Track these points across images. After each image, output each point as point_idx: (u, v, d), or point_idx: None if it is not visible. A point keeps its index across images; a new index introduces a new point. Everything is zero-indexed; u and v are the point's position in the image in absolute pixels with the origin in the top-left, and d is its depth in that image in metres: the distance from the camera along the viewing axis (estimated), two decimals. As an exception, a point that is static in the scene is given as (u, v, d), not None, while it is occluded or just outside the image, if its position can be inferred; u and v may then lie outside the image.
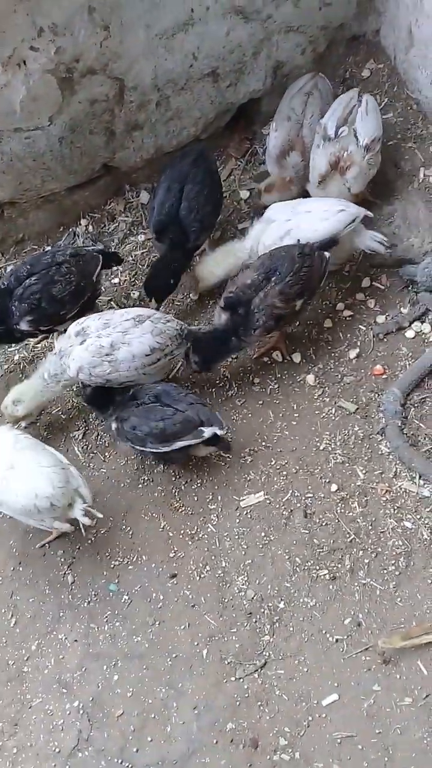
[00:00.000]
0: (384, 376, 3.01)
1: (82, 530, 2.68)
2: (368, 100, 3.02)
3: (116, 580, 2.72)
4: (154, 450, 2.72)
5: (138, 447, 2.75)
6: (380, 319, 3.13)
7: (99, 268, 2.92)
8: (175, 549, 2.74)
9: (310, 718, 2.46)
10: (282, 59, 3.34)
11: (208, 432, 2.67)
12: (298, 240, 2.89)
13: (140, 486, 2.88)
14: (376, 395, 2.96)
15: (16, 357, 3.21)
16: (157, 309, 3.01)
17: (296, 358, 3.05)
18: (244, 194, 3.43)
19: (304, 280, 2.82)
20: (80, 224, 3.43)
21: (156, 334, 2.74)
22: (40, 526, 2.64)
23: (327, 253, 2.88)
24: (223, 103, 3.37)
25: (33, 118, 3.00)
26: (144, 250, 3.36)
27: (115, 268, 3.21)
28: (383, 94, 3.41)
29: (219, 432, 2.70)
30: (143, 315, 2.79)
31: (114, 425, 2.78)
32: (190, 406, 2.71)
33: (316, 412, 2.96)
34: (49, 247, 3.38)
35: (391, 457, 2.84)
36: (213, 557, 2.72)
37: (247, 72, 3.30)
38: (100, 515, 2.65)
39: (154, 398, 2.74)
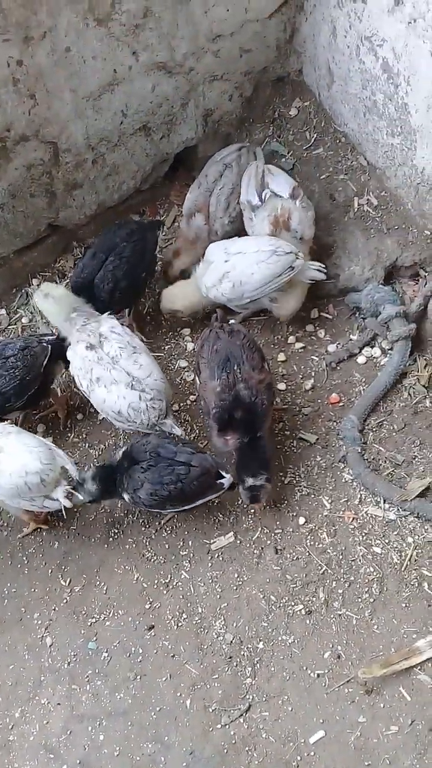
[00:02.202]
0: (340, 404, 3.06)
1: (63, 514, 2.73)
2: (267, 167, 3.16)
3: (94, 638, 2.71)
4: (175, 510, 2.73)
5: (156, 510, 2.74)
6: (331, 348, 3.19)
7: (46, 360, 2.90)
8: (151, 600, 2.75)
9: (299, 758, 2.45)
10: (211, 107, 3.44)
11: (227, 482, 2.65)
12: (233, 285, 2.95)
13: (111, 539, 2.89)
14: (335, 424, 3.01)
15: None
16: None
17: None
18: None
19: (255, 346, 2.82)
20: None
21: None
22: (31, 507, 2.71)
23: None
24: (159, 155, 3.45)
25: (-28, 190, 3.07)
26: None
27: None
28: (312, 130, 3.51)
29: (230, 477, 2.66)
30: None
31: (128, 497, 2.70)
32: (194, 457, 2.63)
33: (278, 446, 2.99)
34: (2, 311, 3.42)
35: (354, 483, 2.87)
36: (189, 604, 2.72)
37: (178, 122, 3.39)
38: (81, 497, 2.68)
39: (155, 455, 2.64)
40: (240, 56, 3.35)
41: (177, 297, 3.17)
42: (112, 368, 2.73)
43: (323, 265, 3.05)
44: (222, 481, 2.65)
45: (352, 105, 3.28)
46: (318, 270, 3.04)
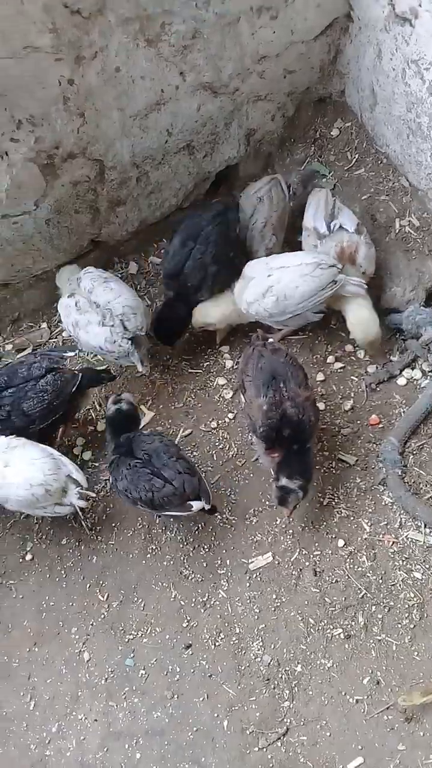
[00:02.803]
0: (380, 426, 3.05)
1: (80, 515, 2.81)
2: (335, 199, 3.17)
3: (132, 654, 2.71)
4: (145, 509, 2.79)
5: (129, 504, 2.81)
6: (371, 368, 3.18)
7: (74, 388, 2.93)
8: (188, 618, 2.75)
9: (337, 784, 2.43)
10: (253, 127, 3.46)
11: (196, 507, 2.68)
12: (277, 299, 2.96)
13: (149, 556, 2.90)
14: (375, 445, 3.00)
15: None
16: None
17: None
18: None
19: (297, 363, 2.84)
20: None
21: None
22: (45, 514, 2.81)
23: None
24: (201, 173, 3.48)
25: (19, 204, 3.11)
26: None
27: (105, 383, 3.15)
28: (353, 151, 3.52)
29: (206, 507, 2.67)
30: None
31: (109, 475, 2.83)
32: (178, 476, 2.66)
33: (317, 467, 2.98)
34: (44, 325, 3.46)
35: (394, 507, 2.86)
36: (226, 624, 2.72)
37: (221, 142, 3.42)
38: (94, 494, 2.79)
39: (146, 458, 2.70)
40: (284, 77, 3.38)
41: (210, 311, 3.18)
42: (85, 311, 2.98)
43: (362, 281, 3.04)
44: (191, 503, 2.67)
45: (395, 127, 3.29)
46: (358, 286, 3.03)
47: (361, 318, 3.03)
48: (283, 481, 2.67)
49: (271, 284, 2.99)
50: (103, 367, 3.25)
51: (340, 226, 3.08)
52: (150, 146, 3.23)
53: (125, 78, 2.97)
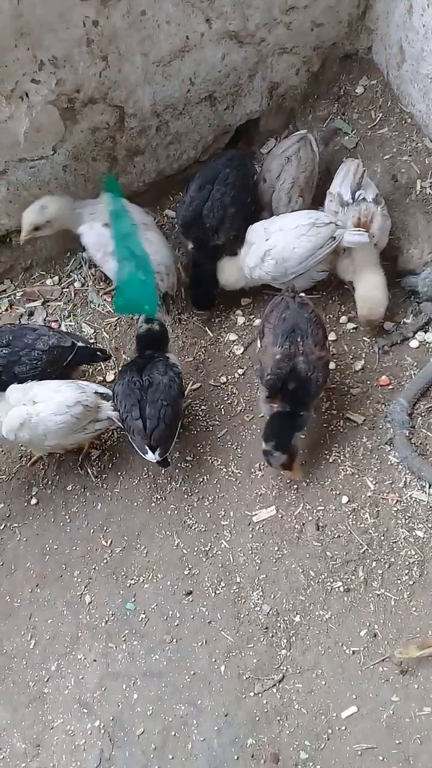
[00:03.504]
0: (390, 387, 3.04)
1: (116, 421, 2.82)
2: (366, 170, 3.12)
3: (133, 599, 2.75)
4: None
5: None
6: (387, 326, 3.15)
7: (67, 360, 2.92)
8: (190, 566, 2.77)
9: (330, 731, 2.47)
10: (277, 80, 3.41)
11: (148, 456, 2.74)
12: (276, 262, 2.95)
13: (153, 505, 2.92)
14: (383, 406, 2.99)
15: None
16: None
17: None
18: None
19: (322, 323, 2.82)
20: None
21: None
22: (86, 437, 2.86)
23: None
24: (222, 126, 3.44)
25: (37, 148, 3.08)
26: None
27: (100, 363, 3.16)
28: (377, 110, 3.47)
29: (156, 459, 2.74)
30: None
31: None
32: (154, 419, 2.70)
33: (324, 425, 2.99)
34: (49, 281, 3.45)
35: (400, 467, 2.86)
36: (227, 573, 2.74)
37: (244, 94, 3.37)
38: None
39: (146, 383, 2.76)
40: (311, 30, 3.32)
41: (220, 271, 3.15)
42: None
43: (364, 230, 2.98)
44: (147, 449, 2.73)
45: (422, 85, 3.23)
46: (360, 234, 2.95)
47: (372, 297, 2.99)
48: (263, 446, 2.72)
49: (269, 248, 2.98)
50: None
51: (364, 198, 3.04)
52: (172, 95, 3.18)
53: (150, 22, 2.92)
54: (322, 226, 2.94)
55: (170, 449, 2.78)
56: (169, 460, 2.84)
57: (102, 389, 2.86)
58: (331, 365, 3.09)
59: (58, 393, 2.76)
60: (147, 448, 2.73)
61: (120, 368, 2.93)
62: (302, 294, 2.93)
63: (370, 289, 3.00)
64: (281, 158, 3.20)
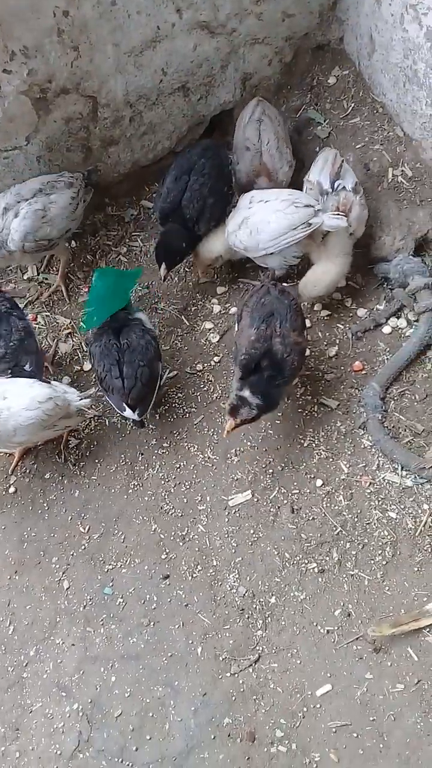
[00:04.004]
0: (363, 372, 3.08)
1: (89, 411, 2.90)
2: (344, 159, 3.15)
3: (110, 584, 2.77)
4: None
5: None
6: (360, 312, 3.20)
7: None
8: (167, 550, 2.80)
9: (305, 709, 2.51)
10: (250, 71, 3.44)
11: (127, 413, 2.81)
12: (250, 232, 2.97)
13: (130, 491, 2.94)
14: (357, 391, 3.03)
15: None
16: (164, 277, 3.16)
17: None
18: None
19: (301, 312, 2.84)
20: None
21: None
22: (55, 433, 2.88)
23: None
24: (195, 116, 3.46)
25: (10, 139, 3.10)
26: (127, 261, 3.45)
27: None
28: (350, 99, 3.51)
29: (135, 418, 2.81)
30: None
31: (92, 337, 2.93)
32: (132, 379, 2.76)
33: (299, 410, 3.02)
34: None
35: (373, 450, 2.90)
36: (204, 557, 2.77)
37: (217, 85, 3.40)
38: (92, 391, 2.86)
39: (124, 346, 2.81)
40: (282, 20, 3.35)
41: (214, 245, 3.16)
42: None
43: (343, 214, 3.00)
44: (126, 408, 2.79)
45: (392, 75, 3.27)
46: (338, 219, 2.96)
47: (315, 280, 3.03)
48: (246, 393, 2.67)
49: (247, 216, 2.99)
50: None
51: (343, 187, 3.06)
52: (144, 85, 3.21)
53: (121, 12, 2.94)
54: (300, 206, 2.95)
55: (148, 409, 2.83)
56: (145, 421, 2.88)
57: (69, 388, 2.86)
58: (306, 351, 3.14)
59: (31, 388, 2.76)
60: (124, 405, 2.78)
61: (94, 331, 2.94)
62: (283, 284, 2.96)
63: (318, 273, 3.03)
64: (253, 123, 3.21)
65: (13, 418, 2.72)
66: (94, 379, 3.03)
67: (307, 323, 3.20)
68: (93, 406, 2.99)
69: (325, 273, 3.04)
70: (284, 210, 2.92)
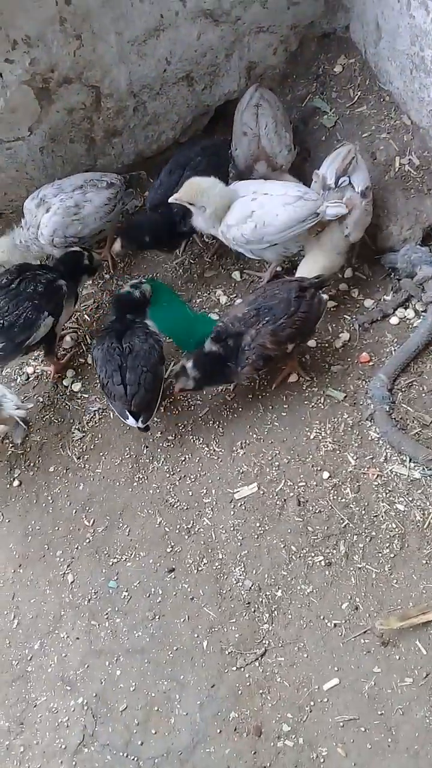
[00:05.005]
0: (370, 363, 3.04)
1: (21, 423, 2.91)
2: (359, 155, 3.06)
3: (115, 577, 2.75)
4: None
5: None
6: (368, 303, 3.16)
7: None
8: (172, 544, 2.78)
9: (312, 703, 2.47)
10: (254, 60, 3.40)
11: (129, 421, 2.79)
12: (255, 225, 2.89)
13: (135, 484, 2.92)
14: (364, 382, 2.99)
15: (29, 369, 3.28)
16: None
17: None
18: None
19: (299, 325, 2.79)
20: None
21: None
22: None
23: (325, 296, 2.91)
24: (200, 106, 3.43)
25: (13, 129, 3.07)
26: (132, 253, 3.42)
27: None
28: (356, 88, 3.46)
29: (139, 426, 2.80)
30: None
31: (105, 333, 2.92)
32: (135, 386, 2.73)
33: (305, 402, 2.99)
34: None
35: (380, 442, 2.87)
36: (209, 550, 2.74)
37: (221, 74, 3.36)
38: (30, 405, 2.92)
39: (126, 350, 2.79)
40: (287, 8, 3.31)
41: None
42: None
43: (343, 203, 2.94)
44: (129, 415, 2.78)
45: (399, 62, 3.22)
46: (338, 207, 2.90)
47: (309, 269, 2.97)
48: (189, 364, 2.76)
49: (254, 209, 2.91)
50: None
51: (349, 182, 2.99)
52: (148, 74, 3.18)
53: (124, 0, 2.91)
54: (309, 200, 2.90)
55: (152, 415, 2.79)
56: (150, 425, 2.84)
57: (8, 391, 2.88)
58: (312, 343, 3.11)
59: None
60: (127, 413, 2.74)
61: (102, 330, 2.94)
62: (325, 296, 2.92)
63: (309, 263, 2.97)
64: (251, 108, 3.17)
65: None
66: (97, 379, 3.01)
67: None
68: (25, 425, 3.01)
69: (315, 263, 2.98)
70: (293, 204, 2.87)
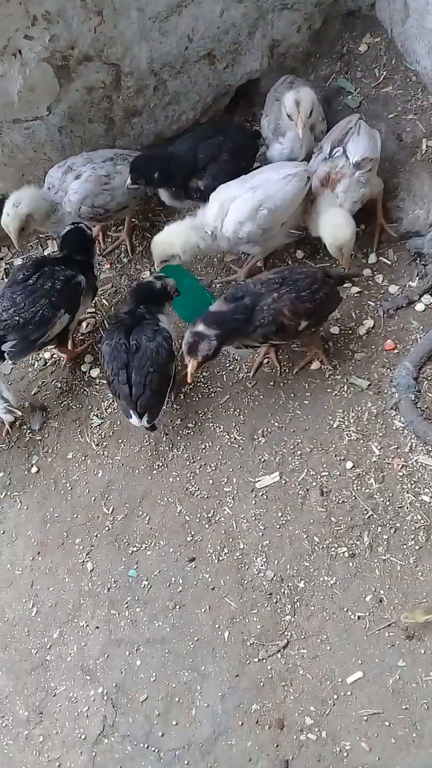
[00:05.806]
0: (395, 351, 2.97)
1: (7, 425, 2.95)
2: (362, 124, 2.95)
3: (135, 566, 2.71)
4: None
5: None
6: (392, 289, 3.08)
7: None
8: (192, 533, 2.73)
9: (335, 697, 2.44)
10: (278, 38, 3.31)
11: (133, 420, 2.75)
12: (268, 211, 2.82)
13: (155, 472, 2.88)
14: (388, 370, 2.93)
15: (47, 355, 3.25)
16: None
17: (306, 337, 3.03)
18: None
19: (318, 303, 2.73)
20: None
21: None
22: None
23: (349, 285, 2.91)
24: (221, 86, 3.35)
25: (31, 108, 3.00)
26: (150, 236, 3.34)
27: None
28: (381, 68, 3.37)
29: (144, 425, 2.76)
30: None
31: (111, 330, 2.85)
32: (140, 386, 2.69)
33: (328, 390, 2.93)
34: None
35: (405, 431, 2.81)
36: (230, 539, 2.70)
37: (244, 52, 3.27)
38: (20, 413, 2.89)
39: (134, 347, 2.73)
40: (312, -16, 3.21)
41: (174, 239, 2.89)
42: None
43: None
44: (132, 414, 2.74)
45: (428, 41, 3.12)
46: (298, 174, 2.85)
47: (333, 221, 2.83)
48: (200, 327, 2.61)
49: (261, 198, 2.81)
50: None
51: (344, 152, 2.89)
52: (169, 52, 3.09)
53: (146, -25, 2.83)
54: (300, 173, 2.87)
55: (159, 415, 2.75)
56: (156, 424, 2.80)
57: (8, 393, 2.87)
58: (336, 330, 3.04)
59: None
60: (132, 413, 2.70)
61: (107, 328, 2.89)
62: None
63: (330, 216, 2.84)
64: (285, 84, 3.14)
65: None
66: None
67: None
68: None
69: (344, 218, 2.83)
70: (293, 180, 2.82)
